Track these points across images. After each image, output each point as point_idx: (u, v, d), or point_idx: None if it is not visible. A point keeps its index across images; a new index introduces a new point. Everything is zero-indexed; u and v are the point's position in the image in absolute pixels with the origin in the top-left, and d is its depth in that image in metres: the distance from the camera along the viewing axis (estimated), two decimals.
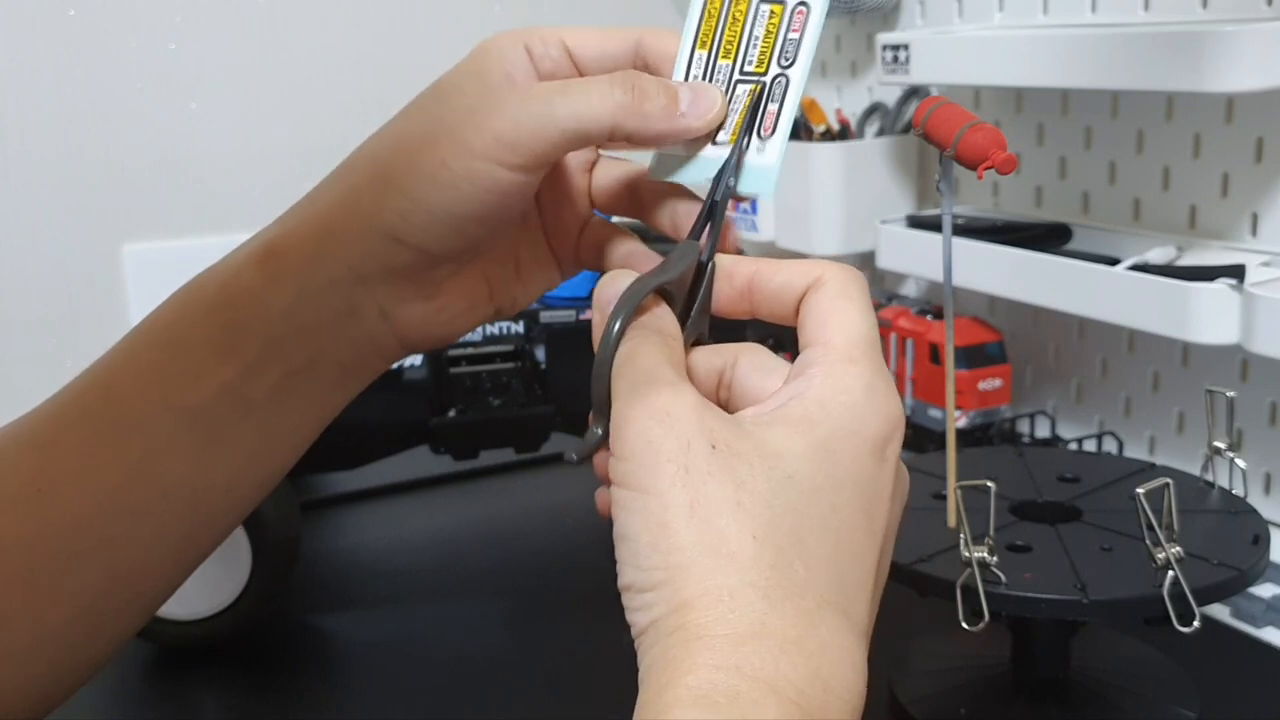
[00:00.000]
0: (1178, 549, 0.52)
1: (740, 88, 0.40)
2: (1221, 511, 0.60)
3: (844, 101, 1.16)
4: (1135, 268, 0.79)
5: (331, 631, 0.77)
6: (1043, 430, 0.96)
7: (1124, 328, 0.89)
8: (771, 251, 1.14)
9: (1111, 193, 0.92)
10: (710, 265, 0.39)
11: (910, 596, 0.53)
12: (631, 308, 0.35)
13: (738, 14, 0.40)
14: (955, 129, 0.49)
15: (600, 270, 0.44)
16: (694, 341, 0.39)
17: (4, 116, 1.04)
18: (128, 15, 1.06)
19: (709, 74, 0.41)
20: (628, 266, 0.43)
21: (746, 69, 0.40)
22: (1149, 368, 0.91)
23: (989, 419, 0.93)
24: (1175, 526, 0.52)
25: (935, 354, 0.93)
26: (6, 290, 1.05)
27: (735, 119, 0.40)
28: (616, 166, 0.46)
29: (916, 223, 0.99)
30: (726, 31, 0.40)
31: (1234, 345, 0.74)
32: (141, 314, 0.45)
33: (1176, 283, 0.75)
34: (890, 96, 1.08)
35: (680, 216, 0.42)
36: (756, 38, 0.40)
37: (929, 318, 0.96)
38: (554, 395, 0.81)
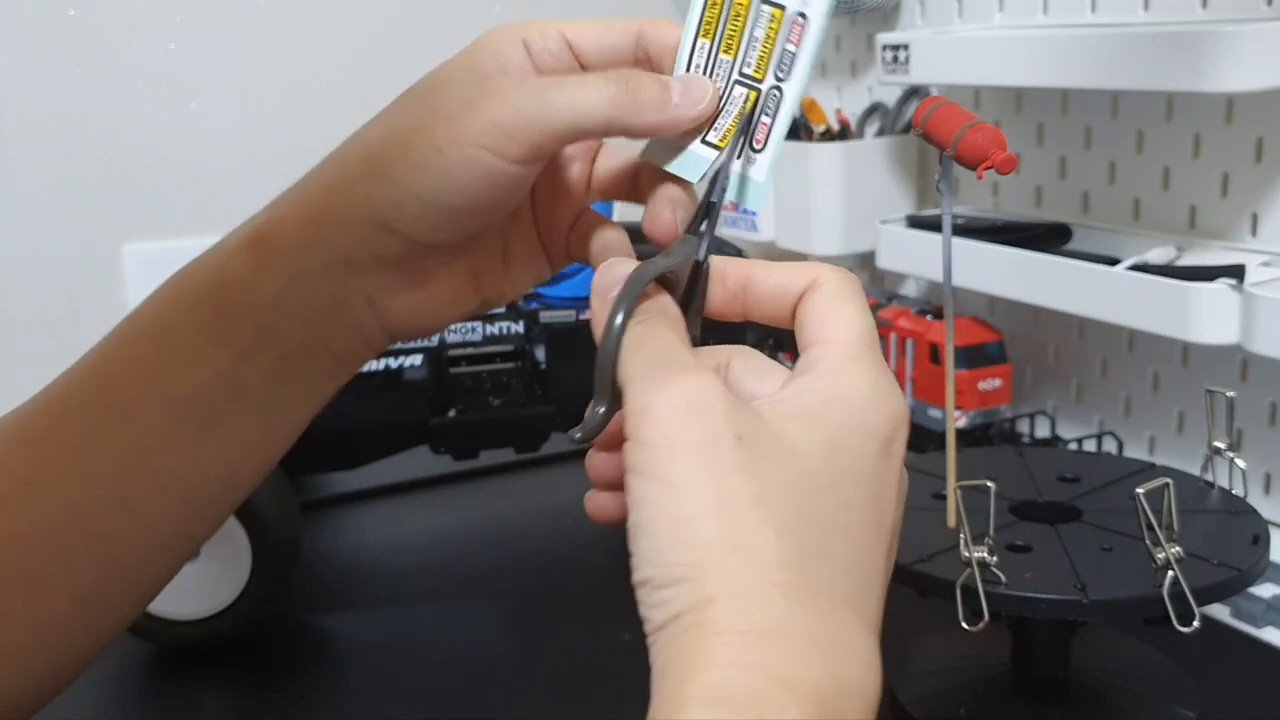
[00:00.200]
0: (1178, 549, 0.52)
1: (738, 89, 0.40)
2: (1221, 511, 0.60)
3: (844, 101, 1.16)
4: (1135, 268, 0.79)
5: (331, 631, 0.77)
6: (1043, 430, 0.96)
7: (1124, 328, 0.89)
8: (771, 251, 1.14)
9: (1111, 193, 0.92)
10: (705, 266, 0.38)
11: (910, 596, 0.53)
12: (638, 291, 0.35)
13: (739, 9, 0.40)
14: (955, 129, 0.49)
15: (590, 263, 0.45)
16: None
17: (4, 116, 1.04)
18: (128, 15, 1.06)
19: (710, 66, 0.41)
20: (606, 246, 0.44)
21: (745, 70, 0.40)
22: (1149, 368, 0.91)
23: (989, 419, 0.93)
24: (1175, 526, 0.52)
25: (935, 354, 0.93)
26: (6, 290, 1.05)
27: (729, 121, 0.40)
28: (619, 153, 0.46)
29: (916, 223, 0.99)
30: (728, 25, 0.40)
31: (1234, 345, 0.74)
32: None
33: (1176, 283, 0.75)
34: (890, 96, 1.08)
35: (676, 202, 0.42)
36: (756, 39, 0.40)
37: (929, 318, 0.96)
38: (554, 395, 0.81)
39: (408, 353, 0.79)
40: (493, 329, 0.81)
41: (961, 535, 0.53)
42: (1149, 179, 0.89)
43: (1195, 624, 0.50)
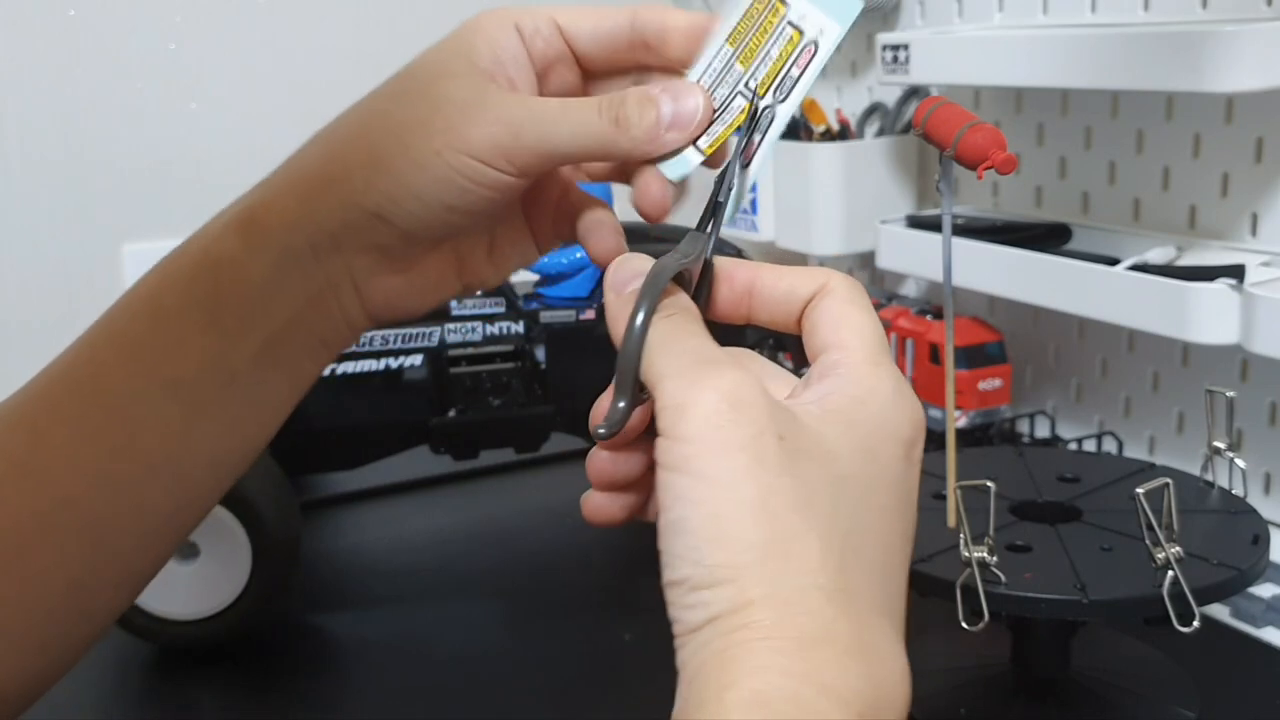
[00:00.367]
0: (1178, 549, 0.52)
1: (738, 100, 0.41)
2: (1221, 511, 0.60)
3: (844, 101, 1.16)
4: (1135, 268, 0.79)
5: (331, 631, 0.77)
6: (1043, 430, 0.96)
7: (1124, 328, 0.89)
8: (771, 251, 1.14)
9: (1111, 193, 0.92)
10: (710, 266, 0.38)
11: (910, 596, 0.53)
12: (662, 285, 0.35)
13: (768, 25, 0.40)
14: (955, 129, 0.49)
15: (578, 241, 0.45)
16: None
17: (4, 116, 1.04)
18: (128, 15, 1.06)
19: (724, 71, 0.41)
20: (604, 237, 0.44)
21: (750, 84, 0.40)
22: (1149, 368, 0.91)
23: (989, 419, 0.93)
24: (1175, 526, 0.52)
25: (935, 354, 0.93)
26: (6, 290, 1.05)
27: (722, 130, 0.41)
28: None
29: (916, 223, 0.99)
30: (753, 38, 0.40)
31: (1234, 345, 0.74)
32: None
33: (1176, 283, 0.75)
34: (890, 96, 1.08)
35: (665, 179, 0.42)
36: (770, 57, 0.40)
37: (929, 318, 0.96)
38: (554, 395, 0.81)
39: (408, 353, 0.79)
40: (493, 329, 0.81)
41: (961, 535, 0.53)
42: (1149, 179, 0.89)
43: (1195, 624, 0.50)
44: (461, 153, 0.39)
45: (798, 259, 1.11)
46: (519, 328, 0.81)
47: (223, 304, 0.42)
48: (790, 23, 0.40)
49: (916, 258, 0.97)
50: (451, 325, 0.80)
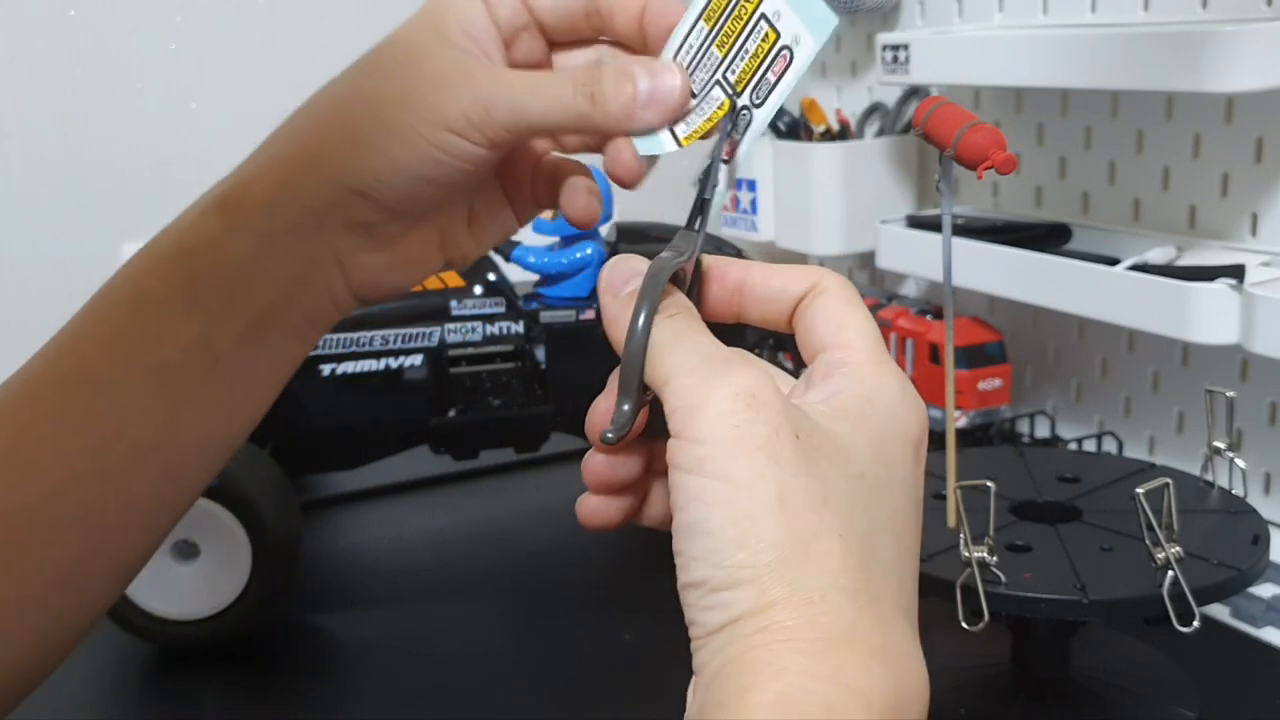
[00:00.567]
0: (1178, 549, 0.52)
1: (717, 91, 0.40)
2: (1221, 511, 0.60)
3: (844, 101, 1.16)
4: (1135, 268, 0.79)
5: (331, 631, 0.77)
6: (1043, 430, 0.96)
7: (1124, 328, 0.89)
8: (771, 252, 1.14)
9: (1111, 193, 0.92)
10: (700, 265, 0.38)
11: None
12: (661, 285, 0.34)
13: (742, 12, 0.40)
14: (955, 129, 0.49)
15: (557, 206, 0.45)
16: None
17: (4, 116, 1.04)
18: (128, 15, 1.06)
19: (701, 52, 0.40)
20: (577, 197, 0.44)
21: (729, 76, 0.40)
22: (1149, 368, 0.91)
23: (989, 419, 0.93)
24: (1175, 526, 0.52)
25: (935, 354, 0.93)
26: (6, 290, 1.05)
27: (700, 121, 0.40)
28: None
29: (916, 223, 0.99)
30: (729, 22, 0.40)
31: (1234, 345, 0.74)
32: None
33: (1176, 283, 0.75)
34: (890, 96, 1.08)
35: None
36: (747, 51, 0.40)
37: (929, 318, 0.96)
38: (554, 395, 0.81)
39: (408, 353, 0.79)
40: (493, 329, 0.81)
41: (961, 535, 0.53)
42: (1149, 179, 0.89)
43: (1195, 624, 0.50)
44: (437, 127, 0.40)
45: (798, 259, 1.11)
46: (519, 328, 0.81)
47: (205, 287, 0.42)
48: (765, 16, 0.39)
49: (916, 258, 0.97)
50: (451, 325, 0.80)
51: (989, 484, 0.52)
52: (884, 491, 0.32)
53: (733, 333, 0.36)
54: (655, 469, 0.36)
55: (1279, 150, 0.80)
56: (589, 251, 0.81)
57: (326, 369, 0.77)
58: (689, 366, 0.32)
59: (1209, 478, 0.63)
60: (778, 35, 0.39)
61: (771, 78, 0.39)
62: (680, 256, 0.36)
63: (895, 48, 0.92)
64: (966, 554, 0.52)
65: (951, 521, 0.58)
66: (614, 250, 0.84)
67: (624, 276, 0.36)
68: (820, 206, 1.05)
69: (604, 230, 0.84)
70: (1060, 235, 0.91)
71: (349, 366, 0.78)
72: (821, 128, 1.08)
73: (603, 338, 0.35)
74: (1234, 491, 0.62)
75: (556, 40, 0.43)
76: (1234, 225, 0.83)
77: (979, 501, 0.53)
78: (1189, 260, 0.81)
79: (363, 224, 0.42)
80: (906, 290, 1.12)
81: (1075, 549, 0.55)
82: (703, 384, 0.31)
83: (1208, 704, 0.59)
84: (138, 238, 0.46)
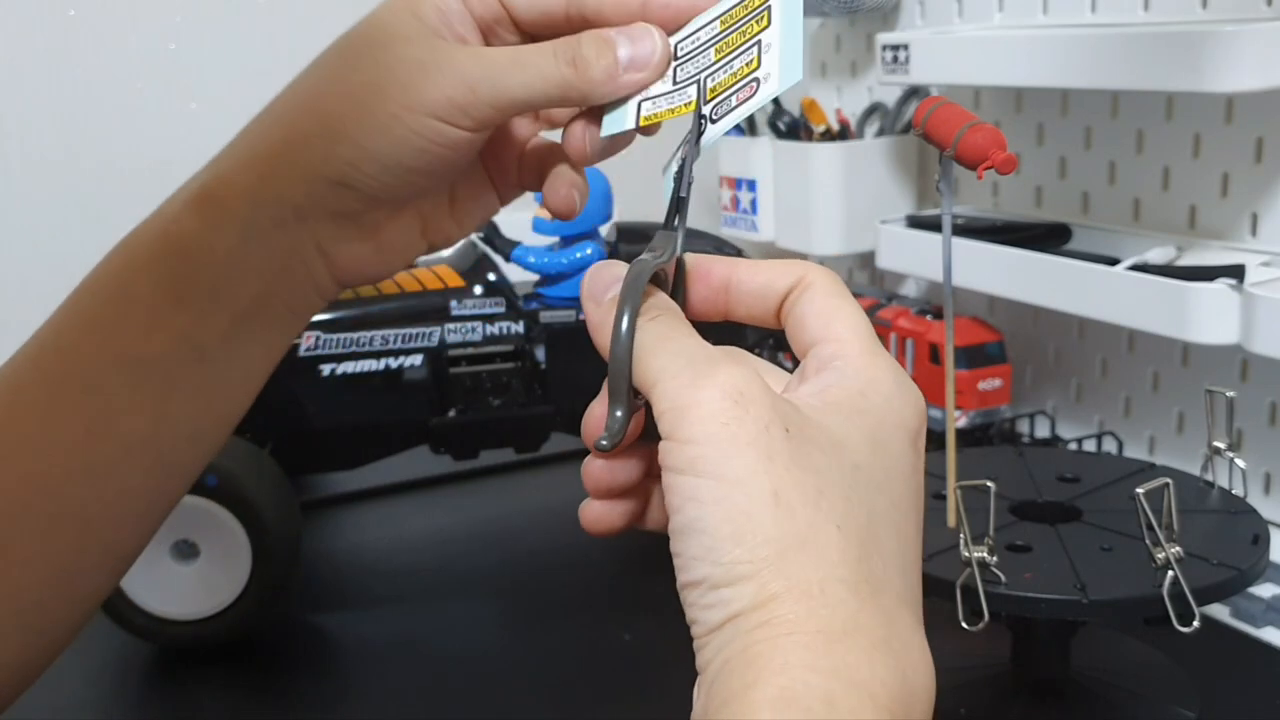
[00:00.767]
0: (1178, 549, 0.52)
1: (692, 89, 0.40)
2: (1221, 511, 0.60)
3: (844, 101, 1.16)
4: (1135, 268, 0.79)
5: (331, 631, 0.77)
6: (1043, 430, 0.96)
7: (1124, 328, 0.89)
8: (771, 251, 1.14)
9: (1111, 193, 0.92)
10: (683, 264, 0.38)
11: None
12: (641, 288, 0.34)
13: (748, 30, 0.39)
14: (955, 129, 0.49)
15: (537, 189, 0.45)
16: None
17: (4, 116, 1.04)
18: (128, 15, 1.06)
19: (700, 50, 0.40)
20: (557, 188, 0.44)
21: (708, 82, 0.39)
22: (1149, 368, 0.91)
23: (989, 419, 0.93)
24: (1175, 526, 0.52)
25: (935, 354, 0.93)
26: (6, 290, 1.05)
27: (665, 108, 0.40)
28: None
29: (916, 223, 0.99)
30: (734, 34, 0.40)
31: (1234, 345, 0.74)
32: None
33: (1176, 283, 0.75)
34: (890, 96, 1.08)
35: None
36: (732, 67, 0.39)
37: (929, 318, 0.96)
38: (554, 395, 0.81)
39: (408, 353, 0.79)
40: (493, 329, 0.81)
41: (961, 535, 0.53)
42: (1149, 179, 0.89)
43: (1195, 624, 0.50)
44: (419, 113, 0.39)
45: (798, 259, 1.11)
46: (519, 328, 0.81)
47: (189, 284, 0.42)
48: (759, 43, 0.39)
49: (916, 258, 0.97)
50: (451, 325, 0.80)
51: (989, 484, 0.52)
52: (882, 482, 0.32)
53: (732, 332, 0.36)
54: (655, 472, 0.36)
55: (1279, 150, 0.80)
56: (589, 251, 0.81)
57: (326, 369, 0.77)
58: (675, 368, 0.32)
59: (1209, 478, 0.63)
60: (758, 65, 0.38)
61: (734, 101, 0.38)
62: (660, 257, 0.35)
63: (895, 48, 0.92)
64: (966, 554, 0.52)
65: (951, 521, 0.58)
66: (614, 250, 0.84)
67: (605, 283, 0.36)
68: (820, 206, 1.05)
69: (604, 230, 0.84)
70: (1060, 235, 0.91)
71: (349, 366, 0.78)
72: (821, 128, 1.08)
73: None
74: (1234, 491, 0.62)
75: (536, 37, 0.43)
76: (1234, 225, 0.83)
77: (979, 501, 0.53)
78: (1189, 260, 0.81)
79: (345, 213, 0.42)
80: (906, 290, 1.12)
81: (1075, 549, 0.55)
82: (690, 385, 0.31)
83: (1208, 704, 0.59)
84: None
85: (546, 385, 0.81)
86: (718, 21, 0.40)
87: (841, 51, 1.16)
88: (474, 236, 0.83)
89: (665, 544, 0.31)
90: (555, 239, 0.83)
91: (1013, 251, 0.86)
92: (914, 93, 1.05)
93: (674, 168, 0.38)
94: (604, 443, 0.33)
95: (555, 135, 0.45)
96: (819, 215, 1.06)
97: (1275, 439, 0.83)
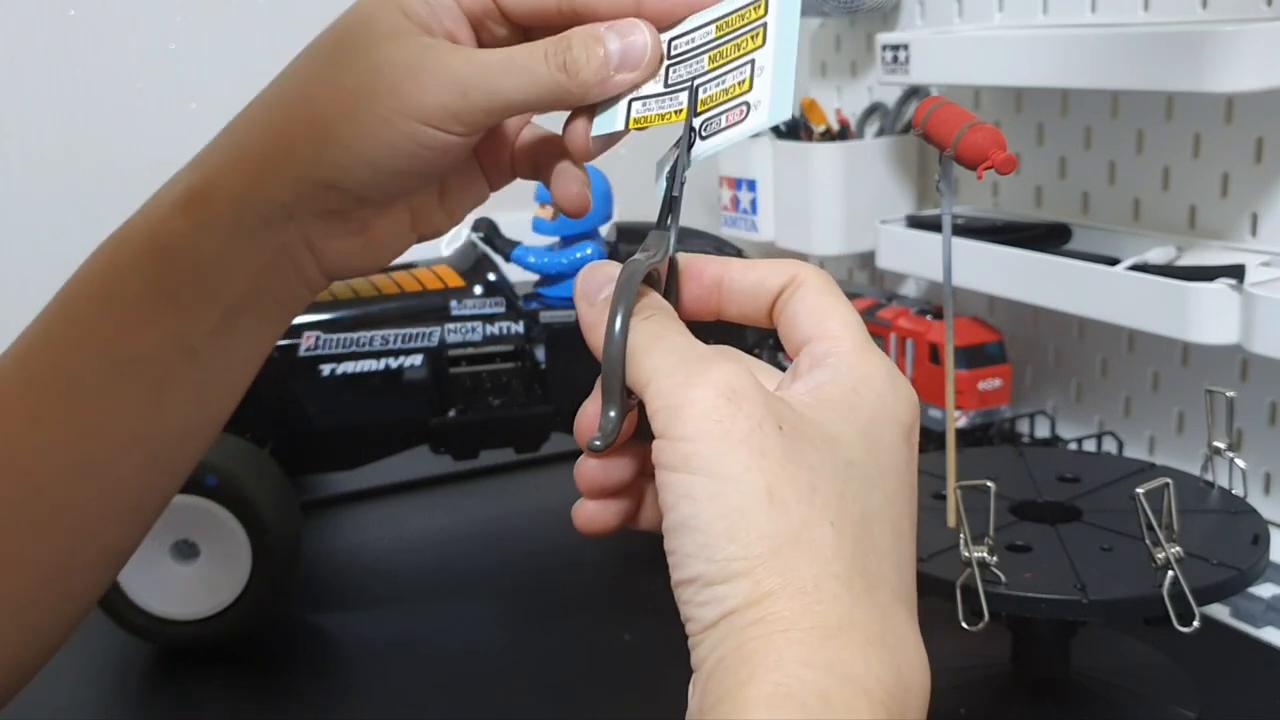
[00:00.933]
0: (1178, 549, 0.52)
1: (683, 96, 0.39)
2: (1221, 511, 0.60)
3: (844, 101, 1.16)
4: (1135, 268, 0.79)
5: (331, 631, 0.77)
6: (1043, 430, 0.96)
7: (1124, 328, 0.89)
8: (771, 251, 1.14)
9: (1111, 193, 0.92)
10: (675, 264, 0.38)
11: None
12: (635, 288, 0.34)
13: (742, 44, 0.39)
14: (955, 129, 0.49)
15: (534, 177, 0.45)
16: None
17: (4, 116, 1.04)
18: (128, 15, 1.06)
19: (694, 53, 0.40)
20: (567, 185, 0.44)
21: (700, 93, 0.39)
22: (1149, 368, 0.91)
23: (989, 419, 0.93)
24: (1175, 526, 0.52)
25: (935, 354, 0.93)
26: (6, 290, 1.05)
27: (655, 112, 0.39)
28: None
29: (916, 223, 0.99)
30: (728, 45, 0.39)
31: (1234, 345, 0.74)
32: None
33: (1176, 283, 0.75)
34: (890, 96, 1.08)
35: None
36: (724, 81, 0.39)
37: (929, 318, 0.96)
38: (554, 395, 0.81)
39: (408, 353, 0.79)
40: (493, 329, 0.81)
41: (961, 535, 0.53)
42: (1149, 179, 0.89)
43: (1195, 624, 0.50)
44: (411, 119, 0.39)
45: (797, 259, 1.11)
46: (519, 328, 0.81)
47: (178, 283, 0.42)
48: (753, 63, 0.38)
49: (916, 258, 0.97)
50: (451, 325, 0.80)
51: (989, 484, 0.52)
52: (876, 478, 0.32)
53: (732, 333, 0.36)
54: (649, 472, 0.36)
55: (1279, 150, 0.80)
56: (589, 251, 0.81)
57: (326, 369, 0.77)
58: (668, 367, 0.32)
59: (1209, 478, 0.63)
60: (749, 88, 0.38)
61: (724, 121, 0.38)
62: (653, 257, 0.35)
63: (895, 48, 0.92)
64: (966, 554, 0.52)
65: (951, 521, 0.58)
66: (614, 250, 0.84)
67: (598, 283, 0.36)
68: (820, 206, 1.05)
69: (604, 230, 0.84)
70: (1060, 235, 0.91)
71: (349, 366, 0.78)
72: (821, 128, 1.08)
73: None
74: (1234, 491, 0.62)
75: (529, 31, 0.42)
76: (1234, 225, 0.83)
77: (979, 501, 0.53)
78: (1189, 260, 0.81)
79: (334, 212, 0.42)
80: (906, 290, 1.12)
81: (1075, 549, 0.55)
82: (683, 383, 0.31)
83: (1208, 704, 0.59)
84: None
85: (546, 385, 0.81)
86: (713, 26, 0.40)
87: (841, 51, 1.16)
88: (474, 237, 0.83)
89: (663, 543, 0.31)
90: (555, 239, 0.83)
91: (1013, 251, 0.86)
92: (914, 93, 1.05)
93: (668, 165, 0.38)
94: (597, 443, 0.33)
95: (543, 120, 0.45)
96: (819, 215, 1.06)
97: (1275, 439, 0.83)
